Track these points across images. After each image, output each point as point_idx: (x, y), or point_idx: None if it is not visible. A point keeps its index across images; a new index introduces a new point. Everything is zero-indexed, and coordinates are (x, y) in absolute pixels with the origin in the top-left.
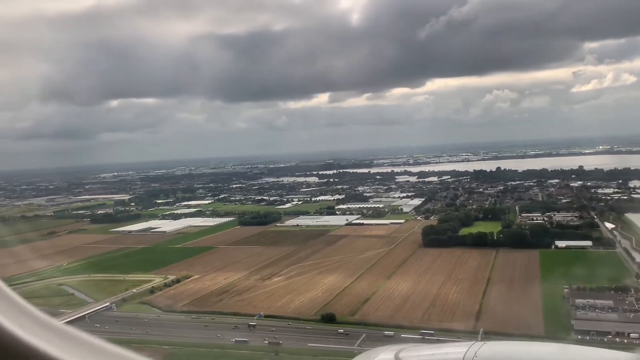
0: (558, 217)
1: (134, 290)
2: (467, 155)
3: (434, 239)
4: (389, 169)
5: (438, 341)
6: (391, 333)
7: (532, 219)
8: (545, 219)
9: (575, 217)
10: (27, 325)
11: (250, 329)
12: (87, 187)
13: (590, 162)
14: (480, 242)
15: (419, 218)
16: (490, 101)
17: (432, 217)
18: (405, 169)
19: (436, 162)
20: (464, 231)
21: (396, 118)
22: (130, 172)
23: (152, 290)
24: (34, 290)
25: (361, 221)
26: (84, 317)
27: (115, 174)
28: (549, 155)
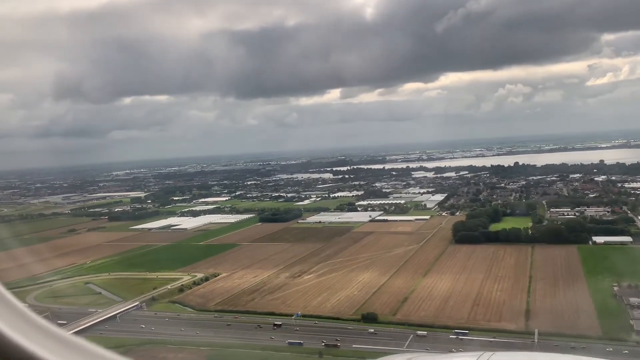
0: (589, 212)
1: (169, 287)
2: (481, 150)
3: (466, 235)
4: (403, 165)
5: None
6: (444, 334)
7: (563, 214)
8: (576, 214)
9: (607, 212)
10: (27, 332)
11: (275, 329)
12: (101, 184)
13: (609, 156)
14: (514, 238)
15: (444, 214)
16: (503, 95)
17: (457, 213)
18: (421, 164)
19: (450, 158)
20: (494, 227)
21: (408, 114)
22: (142, 170)
23: (181, 289)
24: (61, 289)
25: (385, 217)
26: (114, 317)
27: (128, 171)
28: (565, 149)
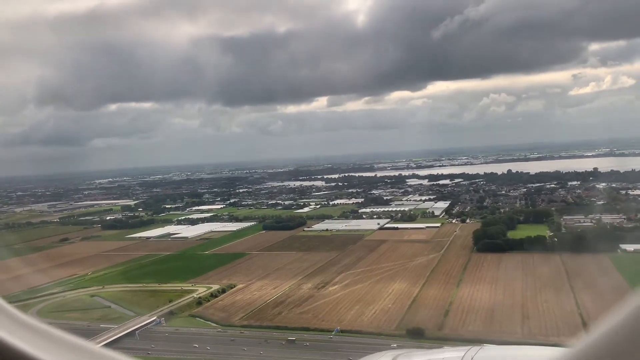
0: (605, 219)
1: (185, 299)
2: (467, 158)
3: (488, 243)
4: (395, 173)
5: None
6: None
7: (579, 222)
8: (592, 221)
9: (623, 219)
10: (24, 336)
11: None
12: (85, 192)
13: (595, 164)
14: (539, 246)
15: (453, 221)
16: (487, 104)
17: (468, 221)
18: (413, 172)
19: (439, 166)
20: (512, 234)
21: (393, 122)
22: (125, 178)
23: (199, 302)
24: (66, 303)
25: (394, 225)
26: (133, 333)
27: (111, 179)
28: (552, 158)
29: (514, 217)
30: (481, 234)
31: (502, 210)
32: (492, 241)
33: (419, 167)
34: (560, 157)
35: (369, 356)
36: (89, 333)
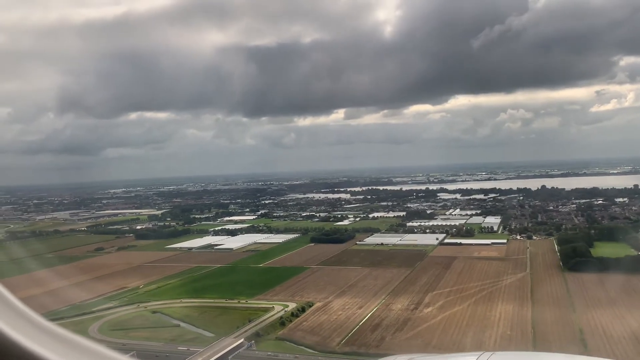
0: None
1: (264, 319)
2: (487, 174)
3: (579, 262)
4: (418, 187)
5: None
6: None
7: None
8: None
9: None
10: (27, 331)
11: None
12: (104, 201)
13: (623, 182)
14: (633, 264)
15: (518, 237)
16: (503, 120)
17: (534, 237)
18: (440, 186)
19: (461, 181)
20: (593, 252)
21: (406, 136)
22: (138, 188)
23: (282, 322)
24: (126, 320)
25: (456, 241)
26: (225, 358)
27: (124, 189)
28: (576, 175)
29: (590, 235)
30: (570, 252)
31: (564, 227)
32: (583, 260)
33: (441, 181)
34: (585, 174)
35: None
36: (170, 357)
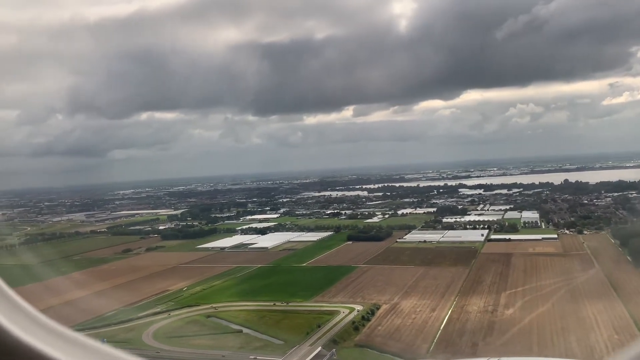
0: None
1: (334, 323)
2: (499, 170)
3: None
4: (434, 183)
5: None
6: None
7: None
8: None
9: None
10: (28, 327)
11: None
12: (117, 202)
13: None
14: None
15: (567, 232)
16: (511, 115)
17: (585, 232)
18: (459, 182)
19: (476, 177)
20: None
21: (414, 134)
22: (147, 189)
23: (355, 327)
24: (180, 326)
25: (503, 237)
26: None
27: (134, 190)
28: (591, 169)
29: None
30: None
31: (613, 220)
32: None
33: (455, 177)
34: (601, 168)
35: None
36: None
